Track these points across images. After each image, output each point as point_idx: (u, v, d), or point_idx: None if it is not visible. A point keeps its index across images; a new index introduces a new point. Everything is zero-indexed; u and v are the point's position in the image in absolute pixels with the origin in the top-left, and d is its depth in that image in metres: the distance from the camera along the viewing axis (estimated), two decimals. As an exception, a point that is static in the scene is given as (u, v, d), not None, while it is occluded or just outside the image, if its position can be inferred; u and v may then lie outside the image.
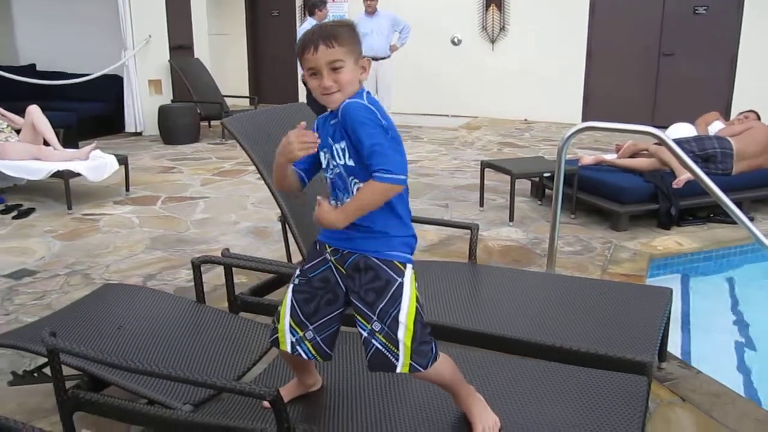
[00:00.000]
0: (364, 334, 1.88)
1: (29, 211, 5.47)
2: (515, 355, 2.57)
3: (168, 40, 9.46)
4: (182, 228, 5.12)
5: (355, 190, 1.86)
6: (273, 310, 2.89)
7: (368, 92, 1.91)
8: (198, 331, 2.63)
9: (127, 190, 6.14)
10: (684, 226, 5.12)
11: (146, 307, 2.79)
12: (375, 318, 1.86)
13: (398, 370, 1.86)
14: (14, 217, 5.33)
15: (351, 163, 1.86)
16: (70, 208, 5.51)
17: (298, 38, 8.41)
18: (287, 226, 2.98)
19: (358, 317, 1.90)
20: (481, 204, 5.68)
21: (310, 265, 1.99)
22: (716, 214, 5.21)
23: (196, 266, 2.83)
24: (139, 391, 2.18)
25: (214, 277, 3.86)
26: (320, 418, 2.13)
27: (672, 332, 3.02)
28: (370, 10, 8.63)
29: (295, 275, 2.02)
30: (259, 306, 2.98)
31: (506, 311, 2.77)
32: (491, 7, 10.94)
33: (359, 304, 1.89)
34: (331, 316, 1.98)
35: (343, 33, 1.86)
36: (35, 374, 2.55)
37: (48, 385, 2.20)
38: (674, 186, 5.11)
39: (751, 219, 4.95)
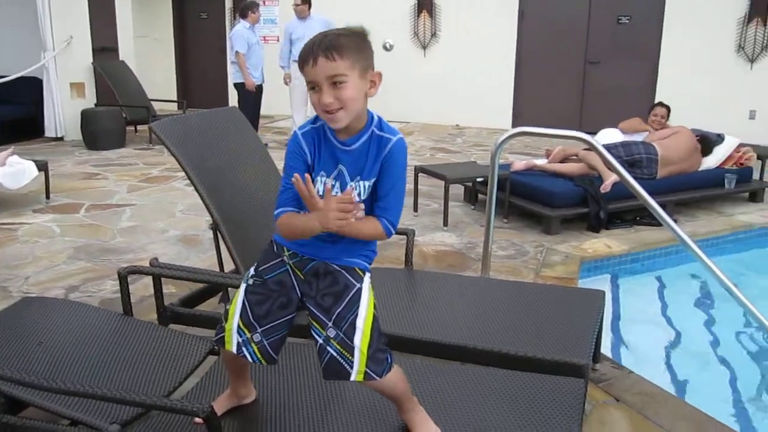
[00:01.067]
0: (320, 341, 1.83)
1: (-60, 221, 5.17)
2: (453, 361, 2.56)
3: (91, 41, 9.13)
4: (107, 237, 4.92)
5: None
6: (204, 321, 2.84)
7: (380, 118, 1.81)
8: (125, 346, 2.50)
9: (48, 197, 5.86)
10: (612, 229, 5.25)
11: (69, 321, 2.64)
12: (330, 324, 1.82)
13: (353, 378, 1.81)
14: (-77, 227, 5.02)
15: (364, 197, 1.80)
16: (-15, 216, 5.23)
17: (230, 40, 8.21)
18: (219, 234, 2.88)
19: (314, 323, 1.85)
20: (415, 209, 5.69)
21: (266, 266, 1.91)
22: (642, 217, 5.37)
23: (123, 277, 2.70)
24: (62, 412, 2.05)
25: (141, 287, 3.71)
26: (255, 430, 2.05)
27: (603, 333, 3.07)
28: (302, 15, 8.54)
29: (249, 275, 1.94)
30: (189, 317, 2.87)
31: (443, 317, 2.76)
32: (423, 14, 11.02)
33: (315, 310, 1.85)
34: (282, 320, 1.91)
35: (348, 43, 1.69)
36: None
37: (-40, 407, 2.04)
38: (602, 190, 5.24)
39: (676, 221, 5.12)
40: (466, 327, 2.68)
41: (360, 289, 1.84)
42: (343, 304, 1.82)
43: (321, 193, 1.76)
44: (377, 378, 1.83)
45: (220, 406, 2.10)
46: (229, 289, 3.02)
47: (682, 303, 4.34)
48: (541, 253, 4.68)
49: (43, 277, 4.09)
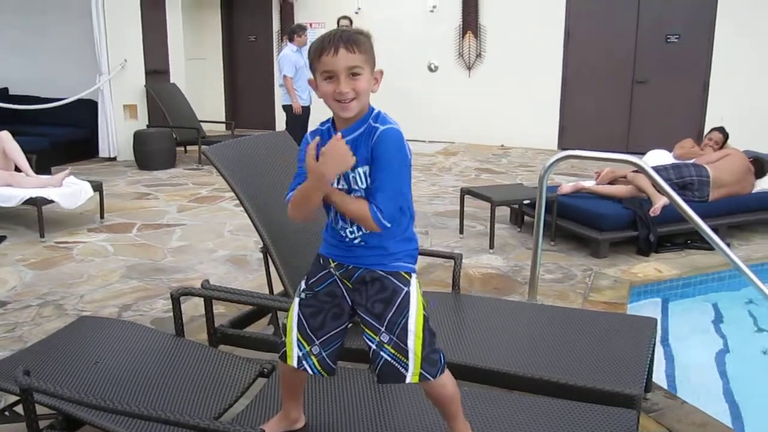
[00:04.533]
0: (373, 346, 1.87)
1: (1, 239, 5.34)
2: (502, 388, 2.54)
3: (144, 64, 9.38)
4: (158, 256, 5.03)
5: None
6: (254, 343, 2.88)
7: (380, 112, 1.88)
8: (177, 367, 2.55)
9: (102, 217, 6.03)
10: (663, 253, 5.15)
11: (123, 341, 2.71)
12: (383, 329, 1.86)
13: (408, 380, 1.85)
14: (-15, 246, 5.20)
15: (363, 185, 1.84)
16: (42, 236, 5.39)
17: (278, 63, 8.30)
18: (269, 256, 2.93)
19: (366, 330, 1.89)
20: (461, 231, 5.67)
21: (315, 279, 1.97)
22: (694, 241, 5.26)
23: (175, 299, 2.75)
24: (116, 431, 2.10)
25: (191, 307, 3.77)
26: (305, 457, 2.07)
27: (655, 360, 3.01)
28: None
29: (301, 289, 2.00)
30: (239, 339, 2.91)
31: (492, 343, 2.74)
32: (468, 35, 11.04)
33: (366, 317, 1.89)
34: (337, 330, 1.96)
35: (364, 41, 1.82)
36: (7, 413, 2.45)
37: (21, 423, 2.11)
38: (652, 213, 5.15)
39: (728, 245, 5.00)
40: (514, 353, 2.66)
41: (408, 293, 1.88)
42: (394, 309, 1.86)
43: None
44: (432, 378, 1.87)
45: (271, 429, 2.12)
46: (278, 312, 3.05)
47: (736, 329, 4.22)
48: (590, 277, 4.61)
49: (97, 295, 4.20)
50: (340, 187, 1.86)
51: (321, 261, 1.98)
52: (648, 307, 4.40)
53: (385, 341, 1.85)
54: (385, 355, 1.85)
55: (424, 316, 1.89)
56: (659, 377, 3.40)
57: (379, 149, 1.80)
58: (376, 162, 1.81)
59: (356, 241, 1.90)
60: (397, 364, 1.84)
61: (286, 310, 2.71)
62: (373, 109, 1.88)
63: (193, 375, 2.50)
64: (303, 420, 2.21)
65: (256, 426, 2.14)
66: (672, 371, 3.62)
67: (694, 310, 4.53)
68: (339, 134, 1.79)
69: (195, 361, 2.59)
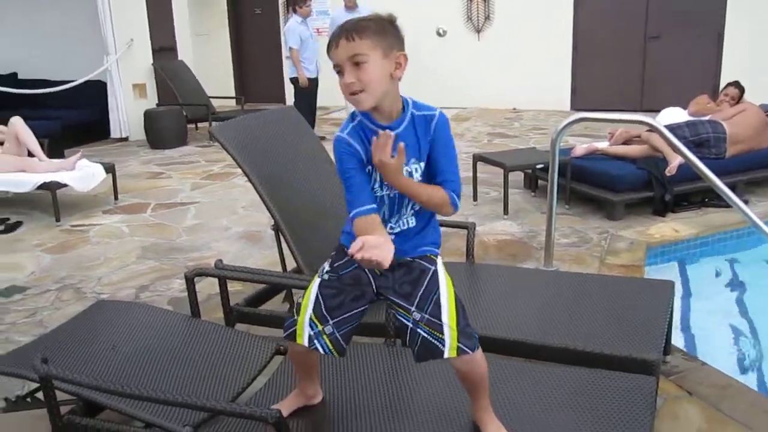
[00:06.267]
0: (409, 324, 1.86)
1: (17, 225, 5.38)
2: (520, 357, 2.53)
3: (150, 42, 9.33)
4: (174, 235, 5.05)
5: (409, 214, 1.86)
6: (269, 321, 2.88)
7: (414, 100, 1.83)
8: (194, 348, 2.56)
9: (116, 198, 6.05)
10: (679, 212, 5.09)
11: (140, 324, 2.73)
12: (414, 308, 1.85)
13: (446, 354, 1.83)
14: (2, 232, 5.24)
15: (425, 179, 1.82)
16: (58, 219, 5.43)
17: (284, 35, 8.24)
18: (280, 234, 2.92)
19: (399, 310, 1.88)
20: (475, 198, 5.63)
21: (341, 262, 1.94)
22: (711, 199, 5.19)
23: (190, 279, 2.75)
24: (137, 415, 2.11)
25: (207, 286, 3.78)
26: (324, 434, 2.08)
27: (673, 322, 2.99)
28: (350, 4, 8.51)
29: (324, 270, 1.96)
30: (255, 317, 2.92)
31: (507, 312, 2.72)
32: (475, -3, 10.87)
33: (396, 298, 1.88)
34: (354, 312, 1.94)
35: (369, 25, 1.73)
36: (28, 399, 2.49)
37: (43, 409, 2.13)
38: (667, 173, 5.08)
39: (746, 202, 4.93)
40: (530, 322, 2.64)
41: (436, 271, 1.88)
42: (423, 287, 1.85)
43: (377, 184, 1.82)
44: (470, 352, 1.84)
45: (288, 406, 2.13)
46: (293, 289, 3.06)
47: (755, 288, 4.17)
48: (606, 239, 4.57)
49: (115, 277, 4.23)
50: (377, 173, 1.81)
51: (346, 250, 1.91)
52: (666, 269, 4.36)
53: (418, 319, 1.84)
54: (422, 332, 1.83)
55: (454, 292, 1.87)
56: (678, 340, 3.39)
57: (439, 134, 1.79)
58: (439, 147, 1.80)
59: (396, 231, 1.87)
60: (434, 340, 1.82)
61: (300, 287, 2.72)
62: (406, 99, 1.83)
63: (210, 355, 2.51)
64: (320, 395, 2.21)
65: (273, 403, 2.15)
66: (691, 332, 3.60)
67: (712, 269, 4.48)
68: (388, 131, 1.71)
69: (211, 342, 2.60)
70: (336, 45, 1.73)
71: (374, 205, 1.79)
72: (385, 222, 1.85)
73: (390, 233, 1.85)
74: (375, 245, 1.69)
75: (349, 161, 1.80)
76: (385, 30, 1.75)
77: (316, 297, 1.94)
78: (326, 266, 1.97)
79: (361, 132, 1.81)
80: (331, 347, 1.93)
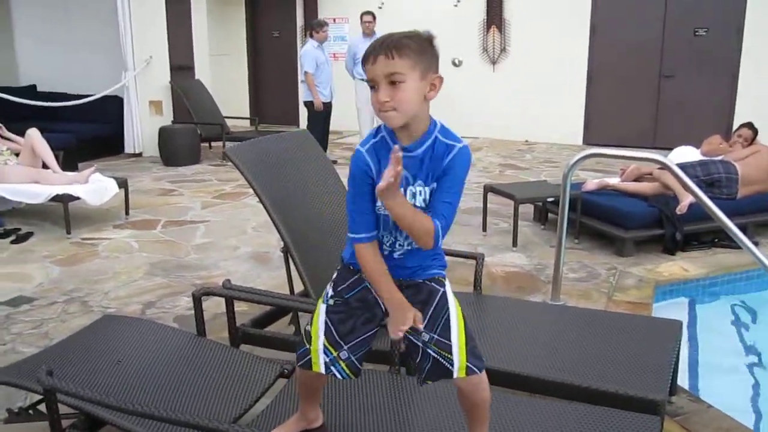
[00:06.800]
0: (419, 344, 1.87)
1: (28, 236, 5.42)
2: (524, 392, 2.51)
3: (169, 60, 9.45)
4: (182, 253, 5.07)
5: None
6: (275, 343, 2.89)
7: (443, 125, 1.81)
8: (198, 367, 2.57)
9: (127, 213, 6.09)
10: (689, 252, 5.07)
11: (146, 340, 2.73)
12: (422, 329, 1.84)
13: (455, 374, 1.84)
14: (12, 242, 5.27)
15: (423, 205, 1.79)
16: (69, 232, 5.46)
17: (301, 60, 8.30)
18: (289, 256, 2.93)
19: (409, 331, 1.85)
20: (484, 228, 5.64)
21: (344, 285, 1.94)
22: (721, 239, 5.17)
23: (197, 298, 2.77)
24: (138, 432, 2.11)
25: (213, 305, 3.79)
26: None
27: (680, 362, 2.97)
28: (368, 31, 8.60)
29: (328, 296, 1.96)
30: (260, 338, 2.92)
31: (513, 346, 2.72)
32: (492, 29, 10.96)
33: None
34: (367, 335, 1.95)
35: (409, 44, 1.70)
36: (31, 411, 2.49)
37: (45, 422, 2.13)
38: (678, 211, 5.07)
39: (756, 244, 4.90)
40: (536, 357, 2.63)
41: (444, 293, 1.88)
42: (433, 308, 1.86)
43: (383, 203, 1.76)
44: (478, 372, 1.85)
45: (288, 430, 2.12)
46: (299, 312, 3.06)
47: (763, 331, 4.14)
48: (614, 276, 4.56)
49: (122, 292, 4.24)
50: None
51: (351, 268, 1.93)
52: (674, 308, 4.33)
53: (428, 340, 1.85)
54: (432, 353, 1.84)
55: (462, 313, 1.88)
56: (684, 380, 3.36)
57: (455, 166, 1.74)
58: (449, 178, 1.75)
59: (395, 255, 1.86)
60: (442, 360, 1.84)
61: (307, 311, 2.72)
62: (436, 122, 1.80)
63: (214, 375, 2.51)
64: (321, 419, 2.20)
65: (276, 426, 2.14)
66: (697, 374, 3.57)
67: (721, 310, 4.45)
68: (396, 146, 1.64)
69: (216, 362, 2.60)
70: (374, 60, 1.70)
71: (374, 233, 1.81)
72: (393, 241, 1.85)
73: (399, 250, 1.85)
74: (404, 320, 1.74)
75: (362, 182, 1.79)
76: (424, 50, 1.73)
77: (326, 323, 1.93)
78: (329, 291, 1.96)
79: (380, 149, 1.80)
80: (347, 371, 1.95)
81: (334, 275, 1.98)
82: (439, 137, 1.79)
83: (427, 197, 1.79)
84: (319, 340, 1.93)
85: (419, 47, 1.72)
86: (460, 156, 1.76)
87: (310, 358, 1.95)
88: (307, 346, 1.96)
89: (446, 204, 1.76)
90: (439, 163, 1.77)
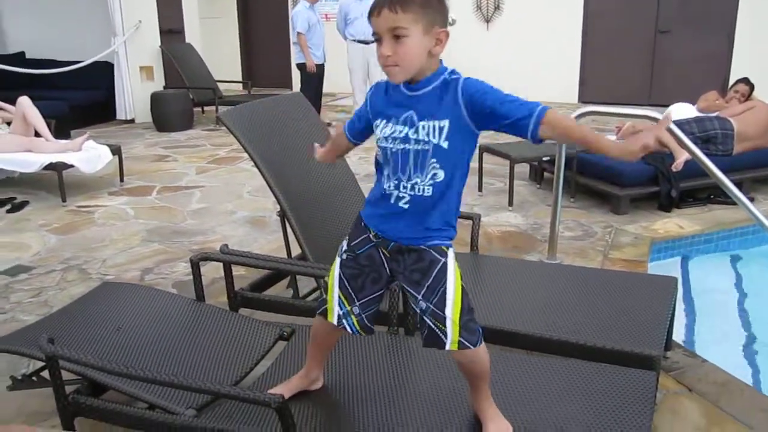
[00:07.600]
0: (418, 311, 1.89)
1: (23, 205, 5.41)
2: (521, 349, 2.54)
3: (158, 25, 9.32)
4: (179, 219, 5.07)
5: (426, 182, 1.77)
6: (273, 306, 2.90)
7: (453, 70, 1.79)
8: (198, 331, 2.59)
9: (122, 180, 6.07)
10: (684, 208, 5.09)
11: (145, 306, 2.75)
12: (420, 297, 1.86)
13: (447, 347, 1.84)
14: (8, 211, 5.26)
15: (445, 144, 1.74)
16: (64, 200, 5.45)
17: (291, 20, 8.16)
18: (286, 220, 2.93)
19: (409, 296, 1.91)
20: (480, 188, 5.64)
21: (357, 241, 1.95)
22: (717, 196, 5.18)
23: (195, 264, 2.77)
24: (141, 396, 2.13)
25: (212, 270, 3.80)
26: (326, 419, 2.09)
27: (675, 318, 3.00)
28: (359, -10, 8.44)
29: (342, 249, 1.99)
30: (259, 302, 2.93)
31: (510, 304, 2.74)
32: (485, -14, 10.81)
33: (406, 285, 1.91)
34: (375, 295, 1.98)
35: None
36: (34, 378, 2.51)
37: (49, 388, 2.15)
38: (673, 168, 5.07)
39: (752, 199, 4.92)
40: (533, 315, 2.65)
41: (446, 263, 1.86)
42: (432, 278, 1.85)
43: (385, 137, 1.80)
44: (472, 347, 1.85)
45: (290, 388, 2.15)
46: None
47: (758, 286, 4.18)
48: (610, 234, 4.58)
49: (120, 259, 4.25)
50: (402, 136, 1.77)
51: (362, 223, 1.94)
52: (669, 265, 4.37)
53: (423, 308, 1.86)
54: (429, 321, 1.85)
55: (462, 286, 1.87)
56: (680, 336, 3.40)
57: (472, 91, 1.73)
58: (485, 99, 1.72)
59: (401, 204, 1.82)
60: (437, 331, 1.84)
61: (305, 274, 2.74)
62: (446, 68, 1.79)
63: (214, 339, 2.53)
64: (321, 381, 2.23)
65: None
66: (692, 329, 3.61)
67: (716, 266, 4.49)
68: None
69: (215, 326, 2.62)
70: (378, 13, 1.69)
71: (354, 140, 2.04)
72: (397, 179, 1.81)
73: (402, 196, 1.81)
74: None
75: (364, 105, 1.93)
76: (429, 4, 1.71)
77: (339, 276, 1.97)
78: (344, 245, 1.99)
79: (386, 86, 1.85)
80: (358, 327, 1.98)
81: (352, 228, 2.00)
82: (446, 76, 1.77)
83: (438, 132, 1.74)
84: (334, 292, 1.98)
85: (423, 1, 1.70)
86: (468, 81, 1.76)
87: (326, 308, 2.01)
88: (324, 296, 2.02)
89: (514, 104, 1.73)
90: (453, 97, 1.74)
